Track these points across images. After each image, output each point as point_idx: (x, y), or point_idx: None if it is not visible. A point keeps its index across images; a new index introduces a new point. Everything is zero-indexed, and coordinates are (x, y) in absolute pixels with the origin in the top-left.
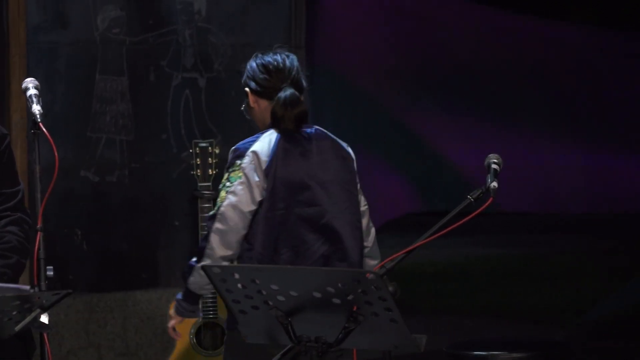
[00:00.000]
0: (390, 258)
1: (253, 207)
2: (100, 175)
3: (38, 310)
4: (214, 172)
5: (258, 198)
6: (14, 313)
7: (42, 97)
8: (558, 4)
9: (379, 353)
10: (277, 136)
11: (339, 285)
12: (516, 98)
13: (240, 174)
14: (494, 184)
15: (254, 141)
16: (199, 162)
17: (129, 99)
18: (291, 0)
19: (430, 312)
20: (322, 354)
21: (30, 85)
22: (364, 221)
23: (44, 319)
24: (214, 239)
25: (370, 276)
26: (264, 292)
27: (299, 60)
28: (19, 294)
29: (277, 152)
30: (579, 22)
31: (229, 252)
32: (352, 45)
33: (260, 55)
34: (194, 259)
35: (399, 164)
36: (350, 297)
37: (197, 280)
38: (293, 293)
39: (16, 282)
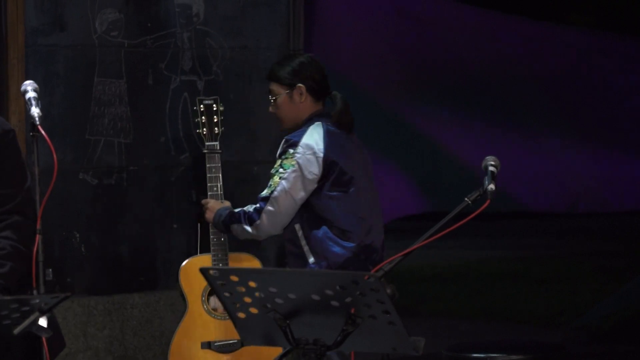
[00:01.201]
0: (388, 260)
1: (303, 194)
2: (98, 178)
3: (37, 314)
4: (220, 130)
5: (309, 187)
6: (13, 316)
7: (40, 99)
8: (556, 8)
9: (377, 355)
10: (323, 129)
11: (337, 287)
12: (520, 100)
13: (294, 162)
14: (491, 186)
15: (303, 133)
16: (204, 121)
17: (127, 101)
18: (289, 2)
19: (428, 314)
20: (321, 357)
21: (29, 88)
22: None
23: (43, 322)
24: (264, 219)
25: (368, 278)
26: (263, 295)
27: None
28: (17, 297)
29: (329, 142)
30: (578, 25)
31: (274, 232)
32: (353, 46)
33: (310, 57)
34: (244, 218)
35: (403, 165)
36: (348, 300)
37: (238, 232)
38: (291, 296)
39: (10, 290)
